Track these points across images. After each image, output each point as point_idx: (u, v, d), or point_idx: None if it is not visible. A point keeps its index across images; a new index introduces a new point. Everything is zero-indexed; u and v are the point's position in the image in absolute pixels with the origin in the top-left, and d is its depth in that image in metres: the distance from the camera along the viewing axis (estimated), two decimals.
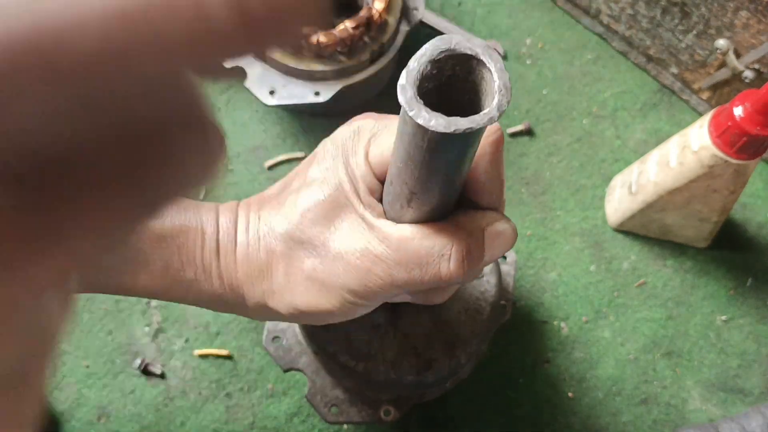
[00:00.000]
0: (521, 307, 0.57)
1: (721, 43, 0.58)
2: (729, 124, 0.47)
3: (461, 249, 0.29)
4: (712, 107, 0.63)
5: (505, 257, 0.51)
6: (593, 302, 0.58)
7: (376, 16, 0.54)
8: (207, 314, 0.55)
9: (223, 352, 0.54)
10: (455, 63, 0.23)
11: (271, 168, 0.60)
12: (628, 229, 0.60)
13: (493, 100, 0.22)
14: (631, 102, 0.65)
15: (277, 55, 0.54)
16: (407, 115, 0.23)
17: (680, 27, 0.61)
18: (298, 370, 0.47)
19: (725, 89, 0.62)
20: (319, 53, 0.54)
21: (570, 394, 0.55)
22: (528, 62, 0.66)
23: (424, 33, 0.65)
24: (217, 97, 0.63)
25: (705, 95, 0.64)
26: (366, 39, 0.55)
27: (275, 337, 0.48)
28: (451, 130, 0.22)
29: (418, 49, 0.24)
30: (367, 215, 0.31)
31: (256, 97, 0.55)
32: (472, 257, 0.29)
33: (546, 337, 0.57)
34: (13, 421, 0.13)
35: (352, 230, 0.31)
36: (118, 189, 0.11)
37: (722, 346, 0.57)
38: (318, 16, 0.12)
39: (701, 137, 0.49)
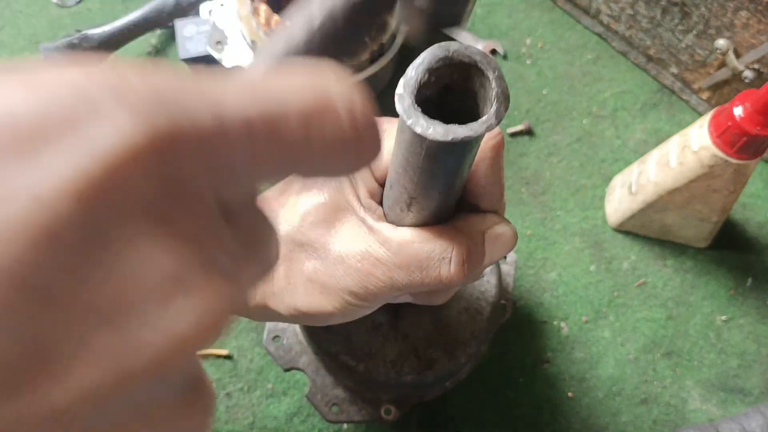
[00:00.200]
0: (521, 307, 0.57)
1: (721, 43, 0.58)
2: (729, 124, 0.47)
3: (462, 252, 0.29)
4: (712, 107, 0.63)
5: (505, 257, 0.51)
6: (593, 302, 0.58)
7: None
8: None
9: (223, 351, 0.54)
10: (453, 71, 0.23)
11: None
12: (628, 229, 0.60)
13: (491, 108, 0.22)
14: (631, 102, 0.65)
15: None
16: (405, 123, 0.23)
17: (680, 27, 0.60)
18: (298, 369, 0.47)
19: (725, 89, 0.62)
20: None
21: (570, 394, 0.55)
22: (528, 62, 0.66)
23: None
24: None
25: (705, 95, 0.64)
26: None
27: (275, 337, 0.48)
28: (449, 138, 0.22)
29: (418, 49, 0.24)
30: (368, 218, 0.31)
31: None
32: (473, 260, 0.29)
33: (546, 337, 0.57)
34: None
35: (353, 233, 0.31)
36: None
37: (722, 346, 0.57)
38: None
39: (701, 137, 0.49)
